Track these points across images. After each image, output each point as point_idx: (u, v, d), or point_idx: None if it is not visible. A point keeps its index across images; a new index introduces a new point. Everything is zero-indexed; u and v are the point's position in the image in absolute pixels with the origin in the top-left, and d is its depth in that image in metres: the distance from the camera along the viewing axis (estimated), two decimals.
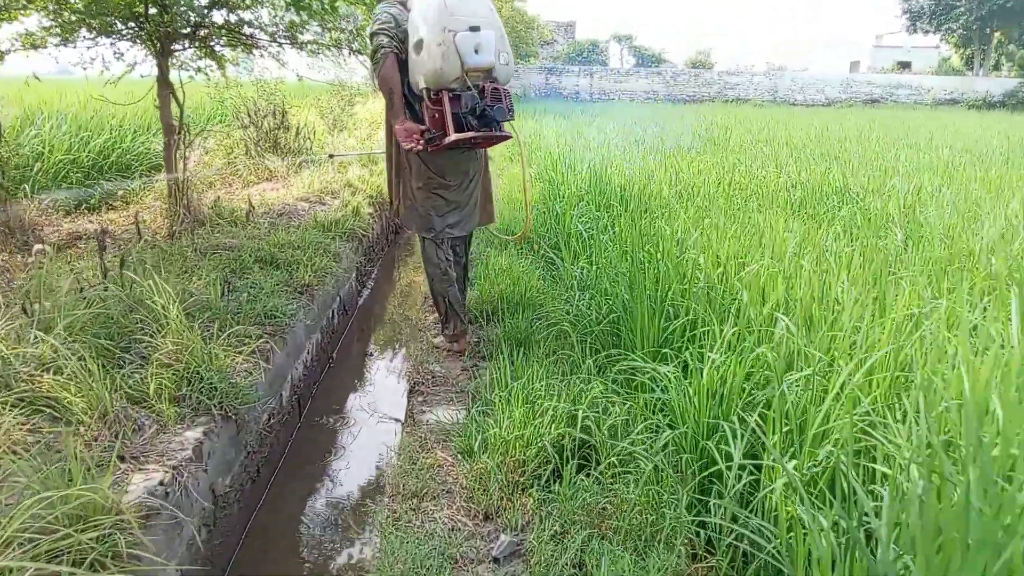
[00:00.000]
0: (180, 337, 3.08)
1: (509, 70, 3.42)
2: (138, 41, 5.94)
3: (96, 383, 2.63)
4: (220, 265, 4.73)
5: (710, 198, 6.18)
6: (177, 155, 5.82)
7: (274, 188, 8.13)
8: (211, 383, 2.98)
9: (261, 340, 3.64)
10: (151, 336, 3.15)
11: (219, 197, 6.42)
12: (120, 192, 7.31)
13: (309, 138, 9.72)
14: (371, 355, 5.36)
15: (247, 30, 6.34)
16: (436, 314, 4.20)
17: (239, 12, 6.40)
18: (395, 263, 8.08)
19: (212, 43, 6.47)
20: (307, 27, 5.97)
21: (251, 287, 4.35)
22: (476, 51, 3.19)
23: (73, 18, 5.50)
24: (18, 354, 2.64)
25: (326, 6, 5.69)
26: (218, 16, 6.38)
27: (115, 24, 5.89)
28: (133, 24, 5.91)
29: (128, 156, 8.27)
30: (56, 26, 5.57)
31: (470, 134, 3.24)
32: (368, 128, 12.40)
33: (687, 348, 3.06)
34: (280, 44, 6.17)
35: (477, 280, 4.80)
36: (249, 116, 9.11)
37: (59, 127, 7.64)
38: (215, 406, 2.93)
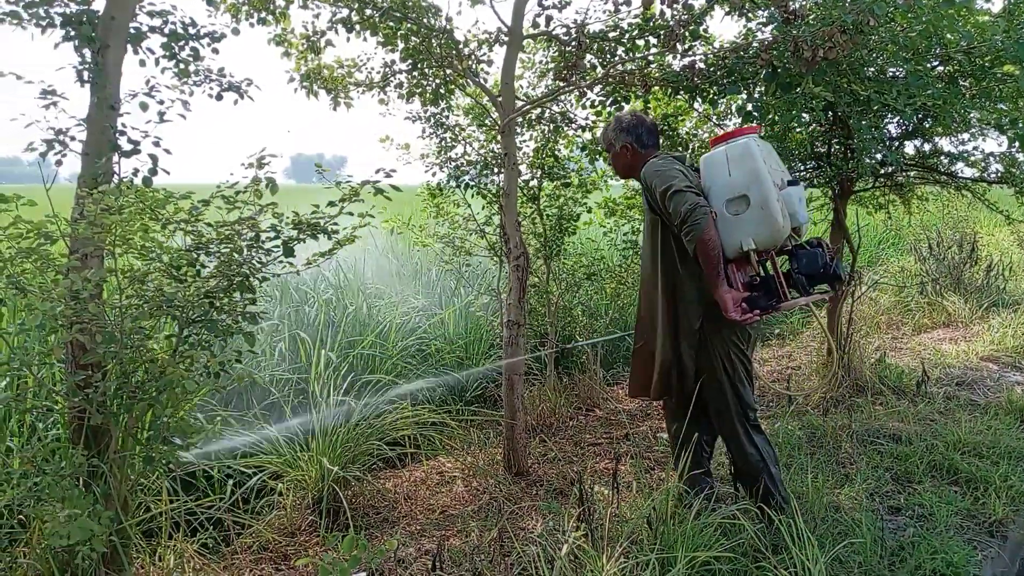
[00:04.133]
0: None
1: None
2: (815, 182, 5.53)
3: None
4: (880, 466, 3.82)
5: None
6: (842, 308, 5.15)
7: (952, 338, 6.75)
8: None
9: None
10: None
11: (884, 354, 5.49)
12: (776, 330, 7.02)
13: (1003, 275, 7.95)
14: None
15: (945, 162, 5.35)
16: None
17: (935, 140, 5.48)
18: None
19: (899, 178, 5.68)
20: None
21: (918, 515, 3.32)
22: (800, 206, 2.96)
23: None
24: None
25: None
26: (910, 147, 5.57)
27: (793, 165, 5.64)
28: (812, 163, 5.55)
29: None
30: None
31: (816, 297, 2.95)
32: None
33: None
34: (987, 182, 4.98)
35: None
36: (930, 247, 7.91)
37: None
38: None
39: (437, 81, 4.71)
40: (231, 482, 3.49)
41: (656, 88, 4.18)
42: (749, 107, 3.92)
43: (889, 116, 4.97)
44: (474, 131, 5.29)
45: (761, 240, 2.84)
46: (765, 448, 3.06)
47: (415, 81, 4.66)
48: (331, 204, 2.78)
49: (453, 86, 4.79)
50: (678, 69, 4.04)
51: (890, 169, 5.42)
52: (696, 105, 5.18)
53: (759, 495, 3.03)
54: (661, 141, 3.34)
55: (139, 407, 2.49)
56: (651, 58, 4.21)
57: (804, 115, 5.05)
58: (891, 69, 4.59)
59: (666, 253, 3.03)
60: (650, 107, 4.69)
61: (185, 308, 2.52)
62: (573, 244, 5.76)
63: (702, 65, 3.97)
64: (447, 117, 5.22)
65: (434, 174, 5.42)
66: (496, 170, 4.94)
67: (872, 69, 4.46)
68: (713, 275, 2.77)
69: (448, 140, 5.20)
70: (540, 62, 5.22)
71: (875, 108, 4.18)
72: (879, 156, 5.04)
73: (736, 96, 5.06)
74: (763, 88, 3.94)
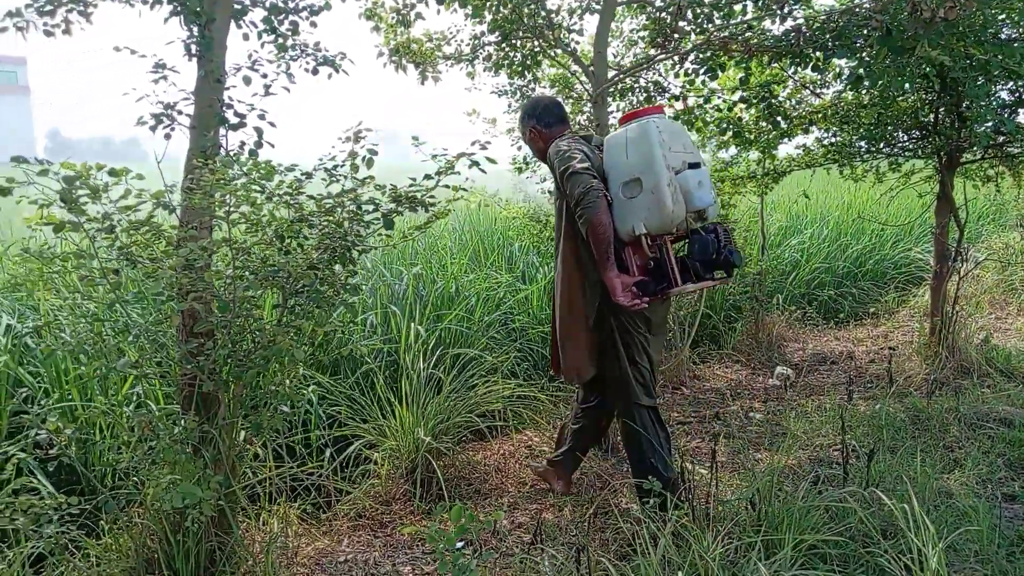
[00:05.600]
0: None
1: (717, 206, 3.18)
2: (919, 153, 5.25)
3: None
4: (991, 452, 3.63)
5: None
6: (947, 287, 4.90)
7: None
8: None
9: None
10: None
11: (989, 335, 5.20)
12: (871, 309, 6.75)
13: None
14: None
15: None
16: None
17: None
18: None
19: (1010, 148, 5.33)
20: None
21: None
22: (699, 190, 2.91)
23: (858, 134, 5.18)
24: None
25: None
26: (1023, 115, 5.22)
27: (896, 135, 5.38)
28: (917, 133, 5.28)
29: (885, 263, 7.67)
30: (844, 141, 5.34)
31: (710, 283, 3.01)
32: None
33: None
34: None
35: None
36: None
37: (820, 233, 7.53)
38: None
39: (525, 52, 4.66)
40: (328, 451, 3.56)
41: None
42: (861, 71, 3.71)
43: (1002, 82, 4.66)
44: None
45: (652, 225, 2.84)
46: (653, 430, 3.04)
47: (503, 53, 4.61)
48: (427, 177, 2.77)
49: (541, 57, 4.72)
50: (778, 33, 3.87)
51: (1001, 139, 5.09)
52: (793, 72, 4.98)
53: (641, 471, 2.99)
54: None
55: (248, 375, 2.55)
56: (749, 23, 4.04)
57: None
58: (1005, 31, 4.30)
59: (573, 233, 3.02)
60: (750, 74, 4.51)
61: (291, 279, 2.56)
62: None
63: (806, 29, 3.79)
64: (533, 89, 5.16)
65: (520, 148, 5.38)
66: None
67: (991, 30, 4.18)
68: (603, 258, 2.82)
69: None
70: (629, 30, 5.10)
71: (995, 73, 3.92)
72: (990, 123, 4.74)
73: (833, 64, 4.83)
74: (871, 52, 3.73)
